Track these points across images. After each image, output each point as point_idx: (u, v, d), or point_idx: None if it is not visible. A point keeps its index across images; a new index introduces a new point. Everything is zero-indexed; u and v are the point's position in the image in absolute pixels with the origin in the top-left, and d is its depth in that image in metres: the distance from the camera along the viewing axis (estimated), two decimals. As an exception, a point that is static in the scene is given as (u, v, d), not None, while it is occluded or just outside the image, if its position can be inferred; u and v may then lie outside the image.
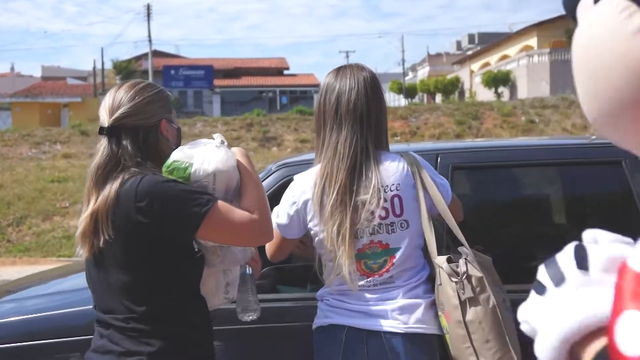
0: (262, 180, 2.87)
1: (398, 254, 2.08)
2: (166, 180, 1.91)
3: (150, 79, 35.26)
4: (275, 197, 3.03)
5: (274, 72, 47.71)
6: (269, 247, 2.30)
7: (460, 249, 2.14)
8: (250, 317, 2.16)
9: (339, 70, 2.18)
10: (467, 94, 37.49)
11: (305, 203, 2.12)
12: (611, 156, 2.71)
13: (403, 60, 52.61)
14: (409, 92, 47.30)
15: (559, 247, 2.47)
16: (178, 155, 1.95)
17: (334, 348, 2.06)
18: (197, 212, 1.84)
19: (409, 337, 2.03)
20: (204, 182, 1.93)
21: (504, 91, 33.87)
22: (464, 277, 2.03)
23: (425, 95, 44.85)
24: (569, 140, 3.40)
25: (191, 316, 1.99)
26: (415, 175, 2.12)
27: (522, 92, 31.59)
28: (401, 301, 2.06)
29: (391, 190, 2.08)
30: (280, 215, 2.20)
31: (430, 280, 2.14)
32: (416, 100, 44.92)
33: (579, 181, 2.90)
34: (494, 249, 2.85)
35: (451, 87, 40.17)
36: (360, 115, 2.08)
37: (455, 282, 2.03)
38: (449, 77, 42.11)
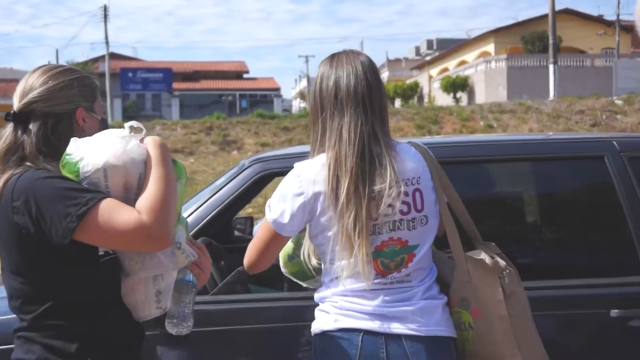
0: (235, 176, 2.76)
1: (418, 252, 1.96)
2: (47, 177, 1.69)
3: (108, 82, 34.96)
4: (248, 193, 2.93)
5: (233, 75, 47.47)
6: (253, 251, 2.07)
7: (486, 244, 2.10)
8: (180, 331, 1.89)
9: (334, 57, 2.03)
10: (426, 99, 37.82)
11: (317, 195, 1.91)
12: (593, 151, 2.70)
13: (362, 65, 52.70)
14: (369, 96, 47.50)
15: (539, 243, 2.41)
16: (71, 148, 1.72)
17: (348, 354, 1.89)
18: (71, 212, 1.62)
19: (430, 340, 1.91)
20: (94, 179, 1.69)
21: (462, 96, 34.29)
22: (507, 271, 2.01)
23: (384, 100, 45.06)
24: (549, 136, 3.37)
25: (94, 328, 1.76)
26: (430, 168, 2.01)
27: (480, 97, 31.99)
28: (421, 302, 1.94)
29: (412, 184, 1.94)
30: (276, 209, 1.96)
31: (438, 280, 2.05)
32: (376, 105, 45.07)
33: (560, 176, 2.86)
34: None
35: (410, 92, 40.49)
36: (362, 99, 1.92)
37: (500, 277, 2.00)
38: (408, 82, 42.45)
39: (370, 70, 1.98)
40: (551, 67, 27.38)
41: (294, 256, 2.26)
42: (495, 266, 2.01)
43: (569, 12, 37.28)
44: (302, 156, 3.02)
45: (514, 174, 2.92)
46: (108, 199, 1.65)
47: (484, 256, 2.03)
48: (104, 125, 1.93)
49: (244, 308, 2.56)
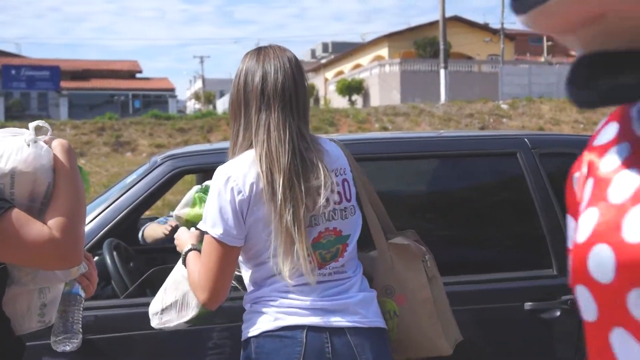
0: (147, 174, 2.64)
1: (350, 241, 1.94)
2: None
3: (-12, 79, 33.19)
4: (160, 191, 2.80)
5: (126, 75, 46.11)
6: (209, 281, 1.85)
7: (404, 232, 2.16)
8: (66, 348, 1.74)
9: (260, 51, 1.96)
10: (321, 101, 38.21)
11: (254, 190, 1.82)
12: (507, 148, 2.77)
13: (259, 67, 52.63)
14: (265, 98, 47.52)
15: (455, 239, 2.46)
16: None
17: (292, 352, 1.82)
18: None
19: (372, 331, 1.90)
20: None
21: (358, 99, 34.90)
22: (428, 255, 2.10)
23: (280, 102, 45.16)
24: (462, 133, 3.44)
25: None
26: (348, 160, 2.03)
27: (375, 100, 32.68)
28: (360, 294, 1.93)
29: (340, 174, 1.94)
30: (218, 222, 1.83)
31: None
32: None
33: (475, 172, 2.92)
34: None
35: (306, 94, 40.80)
36: (290, 97, 1.88)
37: (423, 261, 2.06)
38: (304, 84, 42.69)
39: (297, 67, 1.94)
40: (442, 71, 28.35)
41: None
42: (418, 251, 2.07)
43: (457, 20, 38.77)
44: (216, 152, 2.95)
45: (429, 171, 2.95)
46: (16, 211, 1.50)
47: (407, 241, 2.07)
48: None
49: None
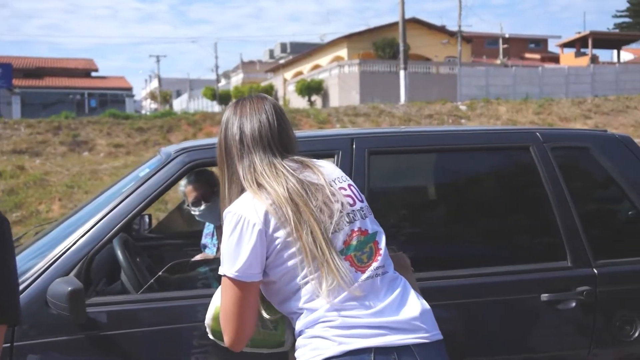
0: (162, 167, 2.56)
1: (379, 238, 1.94)
2: None
3: (-63, 76, 32.09)
4: (172, 185, 2.74)
5: (81, 73, 45.25)
6: (233, 322, 1.85)
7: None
8: None
9: (238, 103, 2.06)
10: (281, 102, 38.16)
11: (268, 218, 1.83)
12: (520, 142, 2.80)
13: (217, 67, 52.48)
14: (223, 98, 47.22)
15: (468, 233, 2.45)
16: None
17: None
18: None
19: (435, 345, 1.88)
20: None
21: (317, 99, 34.95)
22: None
23: (239, 102, 44.90)
24: (476, 127, 3.47)
25: None
26: None
27: (334, 101, 32.78)
28: (418, 307, 1.90)
29: (344, 180, 2.00)
30: (234, 260, 1.83)
31: None
32: (230, 106, 44.86)
33: (490, 166, 2.94)
34: (408, 235, 2.82)
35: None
36: (268, 142, 1.96)
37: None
38: (263, 84, 42.64)
39: (272, 113, 2.01)
40: (402, 72, 28.60)
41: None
42: (408, 260, 2.13)
43: (415, 21, 39.15)
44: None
45: (445, 165, 2.96)
46: None
47: (397, 252, 2.12)
48: None
49: (182, 305, 2.38)
